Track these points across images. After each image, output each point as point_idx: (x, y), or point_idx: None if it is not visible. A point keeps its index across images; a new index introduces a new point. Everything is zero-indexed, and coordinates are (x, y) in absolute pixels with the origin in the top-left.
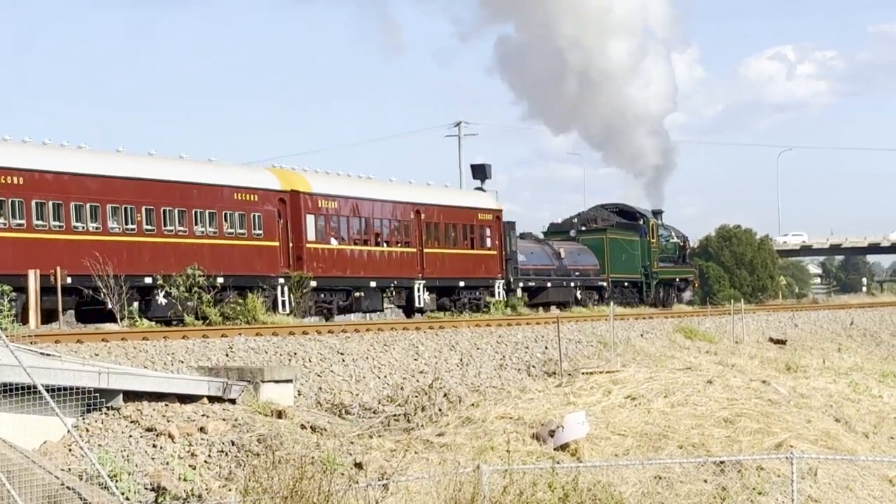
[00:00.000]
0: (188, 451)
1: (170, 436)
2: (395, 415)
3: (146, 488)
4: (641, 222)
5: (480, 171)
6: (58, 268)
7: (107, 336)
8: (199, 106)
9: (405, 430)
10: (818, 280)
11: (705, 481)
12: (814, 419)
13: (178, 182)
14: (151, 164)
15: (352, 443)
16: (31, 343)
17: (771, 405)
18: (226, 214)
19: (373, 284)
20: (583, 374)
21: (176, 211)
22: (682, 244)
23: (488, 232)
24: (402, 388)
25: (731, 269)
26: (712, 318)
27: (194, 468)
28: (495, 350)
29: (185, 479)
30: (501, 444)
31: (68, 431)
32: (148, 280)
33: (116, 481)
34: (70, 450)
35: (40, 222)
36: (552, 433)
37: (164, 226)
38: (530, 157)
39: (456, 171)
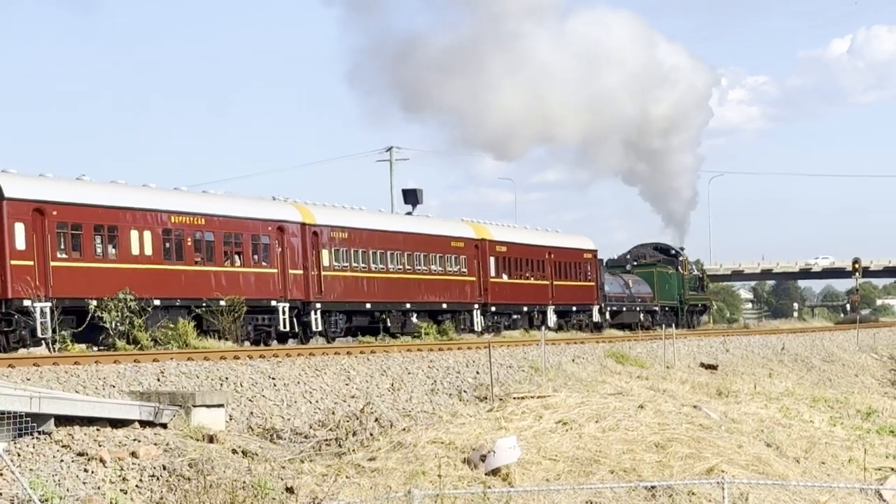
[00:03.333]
0: (119, 476)
1: (101, 460)
2: (326, 439)
3: None
4: (679, 258)
5: (412, 196)
6: None
7: (38, 361)
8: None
9: (336, 455)
10: (749, 305)
11: None
12: (745, 444)
13: (422, 234)
14: (406, 221)
15: (283, 467)
16: None
17: (702, 430)
18: (447, 256)
19: (524, 309)
20: (514, 398)
21: (421, 255)
22: (701, 276)
23: (589, 268)
24: (333, 413)
25: None
26: (643, 342)
27: (126, 493)
28: (427, 375)
29: None
30: (433, 469)
31: None
32: (408, 305)
33: None
34: (1, 474)
35: (355, 264)
36: (483, 458)
37: (416, 265)
38: (461, 182)
39: (387, 196)
